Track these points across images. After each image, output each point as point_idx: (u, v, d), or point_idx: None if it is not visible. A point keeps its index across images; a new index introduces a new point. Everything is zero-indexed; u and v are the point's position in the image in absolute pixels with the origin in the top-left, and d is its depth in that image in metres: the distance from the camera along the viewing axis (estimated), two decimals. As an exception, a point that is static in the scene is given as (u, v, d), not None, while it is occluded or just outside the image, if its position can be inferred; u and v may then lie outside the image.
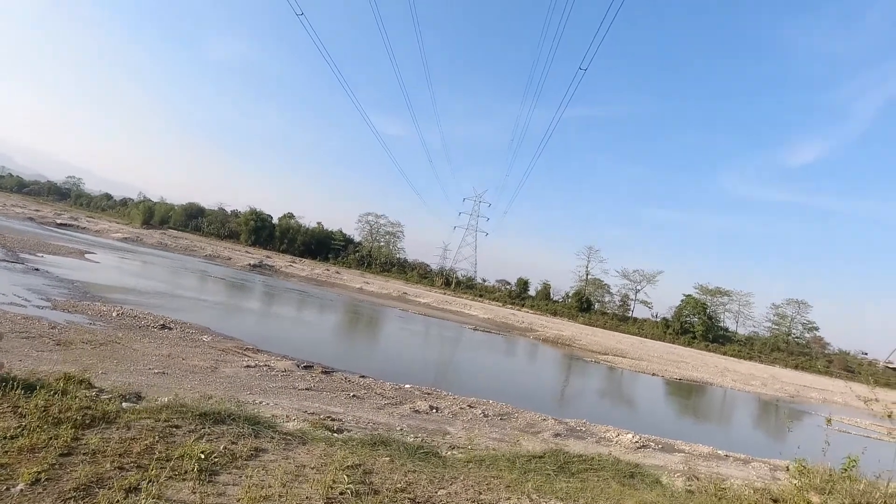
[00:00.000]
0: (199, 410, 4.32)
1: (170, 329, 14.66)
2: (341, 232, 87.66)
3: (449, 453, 6.32)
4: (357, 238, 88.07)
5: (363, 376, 13.76)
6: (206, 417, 4.20)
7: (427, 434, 8.76)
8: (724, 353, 63.03)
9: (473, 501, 3.61)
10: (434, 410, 11.26)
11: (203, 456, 3.34)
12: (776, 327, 75.58)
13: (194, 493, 2.89)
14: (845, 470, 4.36)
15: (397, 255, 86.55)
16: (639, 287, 79.98)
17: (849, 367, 65.81)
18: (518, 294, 79.08)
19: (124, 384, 7.70)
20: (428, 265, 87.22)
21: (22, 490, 2.65)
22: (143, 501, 2.67)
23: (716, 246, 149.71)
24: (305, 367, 13.43)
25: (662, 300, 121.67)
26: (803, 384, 42.84)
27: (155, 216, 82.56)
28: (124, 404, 5.90)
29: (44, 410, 3.55)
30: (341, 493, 3.29)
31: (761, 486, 4.93)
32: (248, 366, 12.18)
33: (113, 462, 3.05)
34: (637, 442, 11.60)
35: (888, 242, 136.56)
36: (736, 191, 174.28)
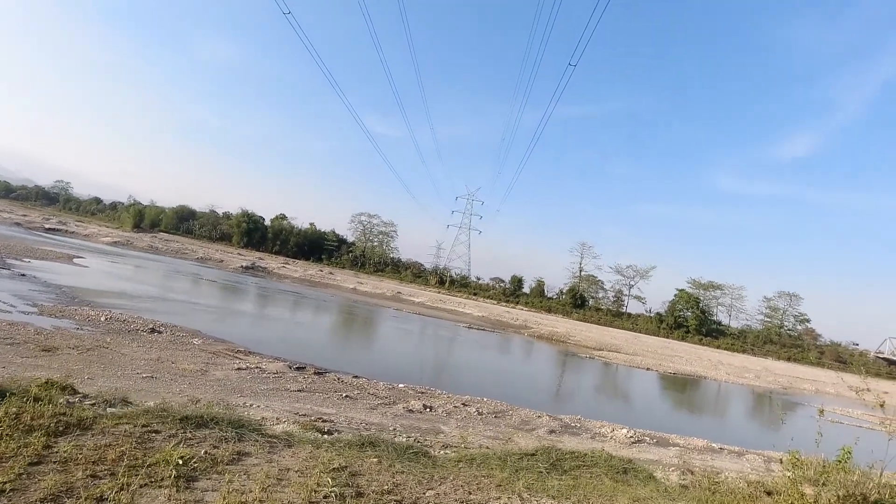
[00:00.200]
0: (180, 414, 4.21)
1: (159, 332, 14.48)
2: (334, 232, 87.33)
3: (442, 452, 6.24)
4: (350, 238, 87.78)
5: (356, 377, 13.65)
6: (187, 421, 4.08)
7: (420, 433, 8.68)
8: (718, 347, 63.43)
9: (462, 502, 3.53)
10: (428, 409, 11.19)
11: (181, 461, 3.24)
12: (768, 320, 76.21)
13: (170, 500, 2.78)
14: (839, 461, 4.33)
15: (391, 255, 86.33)
16: (632, 282, 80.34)
17: (840, 357, 66.48)
18: (512, 292, 79.16)
19: (111, 389, 7.55)
20: (422, 264, 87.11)
21: (-14, 502, 2.54)
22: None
23: (708, 240, 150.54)
24: (298, 369, 13.31)
25: (656, 295, 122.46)
26: (796, 376, 43.22)
27: (145, 219, 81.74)
28: (108, 409, 5.77)
29: (15, 418, 3.41)
30: (325, 497, 3.19)
31: (755, 479, 4.90)
32: (239, 368, 12.04)
33: (85, 470, 2.94)
34: (632, 437, 11.60)
35: (878, 233, 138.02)
36: (727, 185, 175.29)
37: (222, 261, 52.99)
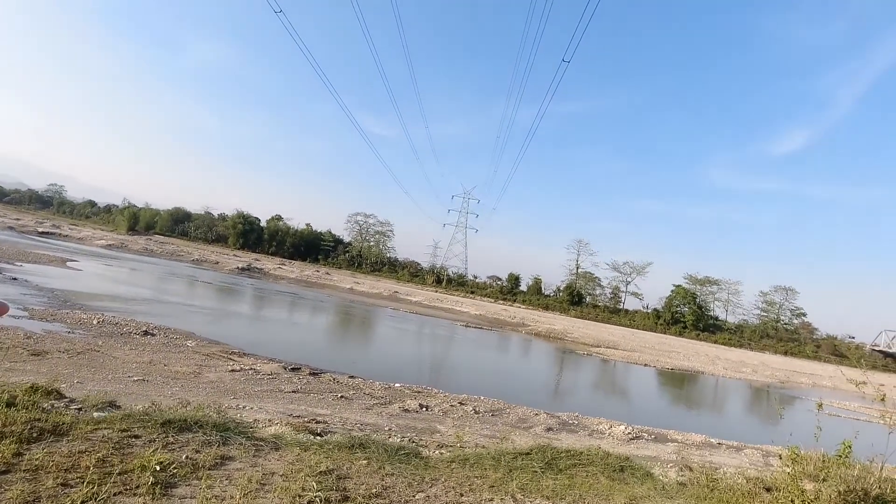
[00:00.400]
0: (162, 418, 4.08)
1: (153, 335, 14.32)
2: (330, 233, 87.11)
3: (437, 452, 6.14)
4: (347, 238, 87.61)
5: (352, 377, 13.53)
6: (170, 425, 3.95)
7: (416, 433, 8.58)
8: (715, 342, 63.61)
9: (454, 504, 3.43)
10: (424, 409, 11.08)
11: (159, 467, 3.11)
12: (765, 314, 76.52)
13: (145, 508, 2.66)
14: (840, 456, 4.25)
15: (388, 255, 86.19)
16: (629, 279, 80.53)
17: (837, 351, 66.74)
18: (509, 290, 79.15)
19: (99, 393, 7.40)
20: (419, 263, 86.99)
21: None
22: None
23: (704, 236, 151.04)
24: (293, 370, 13.17)
25: (653, 291, 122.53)
26: (793, 370, 43.33)
27: (140, 222, 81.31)
28: (94, 414, 5.64)
29: (-16, 425, 3.29)
30: (309, 502, 3.08)
31: (754, 475, 4.82)
32: (232, 370, 11.89)
33: (56, 478, 2.80)
34: (630, 433, 11.52)
35: (872, 227, 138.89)
36: (722, 180, 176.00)
37: (218, 262, 52.73)
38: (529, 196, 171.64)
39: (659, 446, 10.87)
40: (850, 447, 4.35)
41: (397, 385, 13.24)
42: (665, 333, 64.31)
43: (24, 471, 2.84)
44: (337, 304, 36.85)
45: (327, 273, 62.35)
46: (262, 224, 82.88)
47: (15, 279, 20.02)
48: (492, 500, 3.61)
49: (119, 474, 2.93)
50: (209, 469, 3.33)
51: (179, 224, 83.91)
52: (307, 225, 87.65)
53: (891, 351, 64.92)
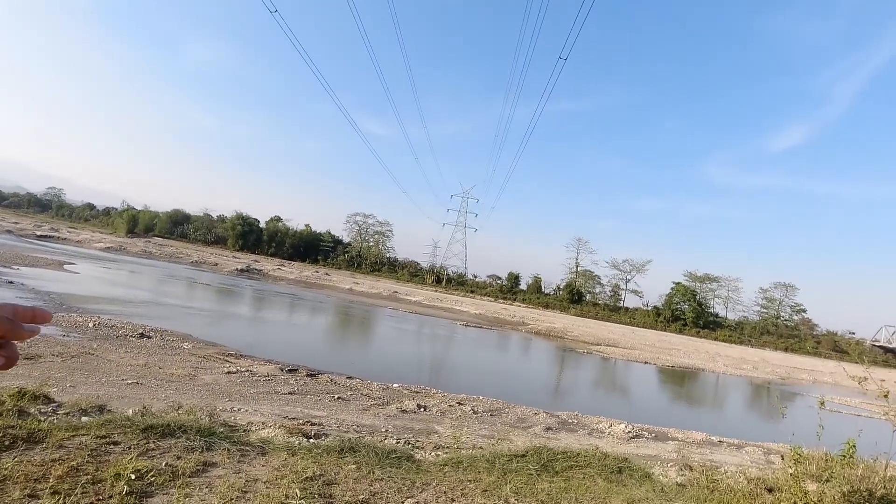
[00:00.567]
0: (143, 424, 3.96)
1: (149, 338, 14.21)
2: (330, 233, 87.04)
3: (433, 454, 6.03)
4: (346, 239, 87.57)
5: (350, 377, 13.43)
6: (151, 431, 3.83)
7: (413, 434, 8.47)
8: (715, 339, 63.53)
9: (445, 510, 3.31)
10: (422, 409, 10.98)
11: (135, 476, 2.99)
12: (765, 311, 76.45)
13: (118, 518, 2.55)
14: (844, 456, 4.14)
15: (387, 255, 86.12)
16: (629, 277, 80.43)
17: (837, 347, 66.70)
18: (509, 288, 79.08)
19: (91, 397, 7.30)
20: (418, 263, 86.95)
21: None
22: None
23: (703, 233, 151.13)
24: (289, 371, 13.07)
25: (653, 289, 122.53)
26: (793, 366, 43.24)
27: (139, 224, 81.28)
28: (83, 419, 5.53)
29: (-48, 434, 3.16)
30: (292, 510, 2.97)
31: (755, 475, 4.70)
32: (228, 372, 11.79)
33: (24, 489, 2.69)
34: (630, 432, 11.42)
35: (871, 223, 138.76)
36: (720, 177, 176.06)
37: (217, 264, 52.61)
38: (529, 194, 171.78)
39: (659, 445, 10.77)
40: (853, 447, 4.23)
41: (395, 385, 13.14)
42: (665, 331, 64.24)
43: (-7, 482, 2.73)
44: (336, 305, 36.73)
45: (327, 274, 62.24)
46: (261, 225, 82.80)
47: (11, 283, 19.90)
48: (484, 504, 3.50)
49: (92, 483, 2.81)
50: (189, 476, 3.21)
51: (179, 226, 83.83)
52: (306, 226, 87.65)
53: (891, 346, 64.86)
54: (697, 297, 71.79)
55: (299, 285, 47.60)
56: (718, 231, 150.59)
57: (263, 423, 7.14)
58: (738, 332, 69.41)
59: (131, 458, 3.22)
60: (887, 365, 56.14)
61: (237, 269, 49.79)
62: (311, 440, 5.50)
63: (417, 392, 12.90)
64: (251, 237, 79.36)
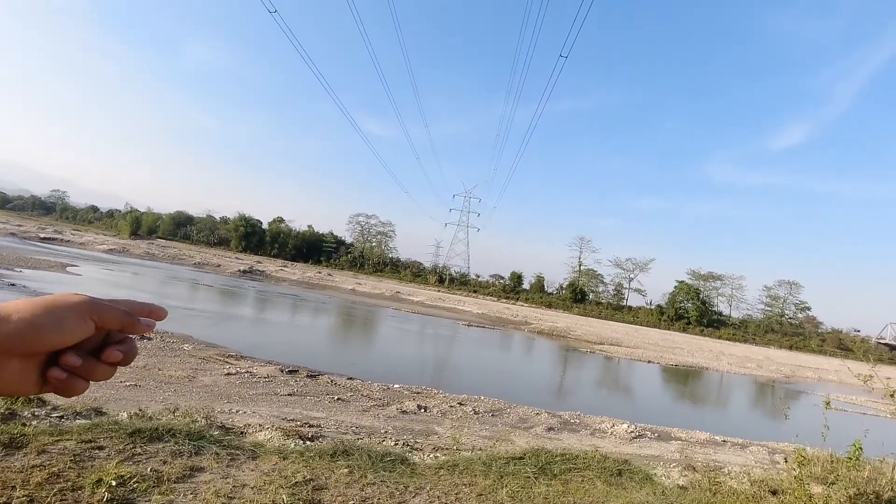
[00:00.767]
0: (130, 427, 3.89)
1: (149, 339, 14.15)
2: (332, 234, 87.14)
3: (430, 456, 5.94)
4: (348, 239, 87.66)
5: (350, 378, 13.35)
6: (139, 435, 3.76)
7: (412, 435, 8.39)
8: (719, 337, 63.23)
9: (438, 515, 3.23)
10: (422, 410, 10.90)
11: (114, 483, 2.90)
12: (769, 309, 76.06)
13: (97, 527, 2.47)
14: (850, 458, 4.03)
15: (390, 255, 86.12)
16: (632, 275, 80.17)
17: (842, 345, 66.30)
18: (512, 288, 78.94)
19: (89, 399, 7.26)
20: (421, 263, 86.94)
21: None
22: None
23: (706, 231, 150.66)
24: (290, 372, 13.00)
25: (656, 287, 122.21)
26: (798, 364, 42.96)
27: (143, 226, 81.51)
28: (77, 422, 5.47)
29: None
30: (278, 517, 2.89)
31: (759, 477, 4.60)
32: (228, 373, 11.74)
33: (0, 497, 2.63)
34: (632, 432, 11.30)
35: (875, 220, 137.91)
36: (722, 176, 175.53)
37: (220, 265, 52.68)
38: (530, 193, 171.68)
39: (662, 445, 10.66)
40: (860, 448, 4.12)
41: (396, 386, 13.06)
42: (669, 330, 63.97)
43: (-31, 489, 2.66)
44: (338, 306, 36.69)
45: (329, 274, 62.26)
46: (263, 226, 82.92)
47: (13, 285, 19.93)
48: (479, 509, 3.41)
49: (71, 490, 2.74)
50: (175, 482, 3.13)
51: (182, 228, 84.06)
52: (309, 227, 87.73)
53: (897, 344, 64.43)
54: (701, 296, 71.50)
55: (302, 286, 47.59)
56: (721, 230, 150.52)
57: (261, 425, 7.07)
58: (742, 331, 69.09)
59: (115, 464, 3.15)
60: (893, 363, 55.72)
61: (240, 271, 49.84)
62: (307, 443, 5.43)
63: (418, 393, 12.82)
64: (254, 238, 79.49)
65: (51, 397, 6.72)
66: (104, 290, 24.54)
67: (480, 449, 6.75)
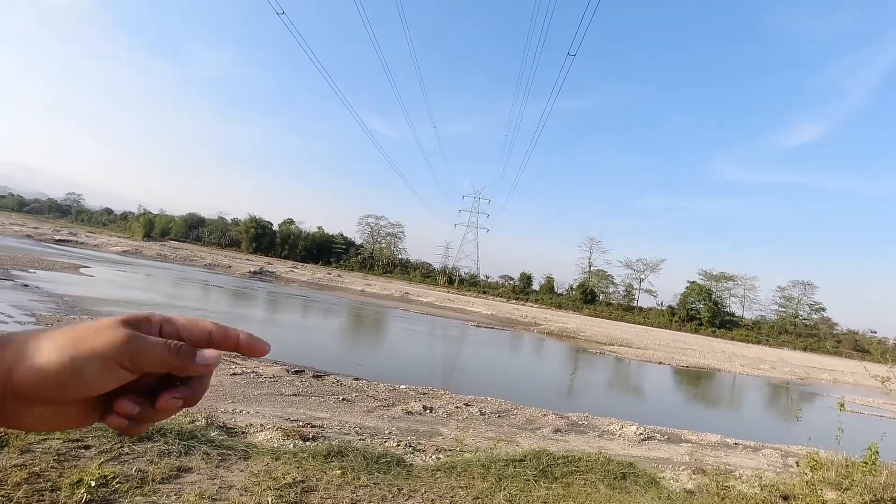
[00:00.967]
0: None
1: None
2: (342, 235, 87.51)
3: (433, 457, 5.83)
4: (358, 241, 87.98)
5: (356, 378, 13.30)
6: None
7: (416, 436, 8.29)
8: (732, 339, 62.37)
9: (430, 520, 3.12)
10: (428, 411, 10.79)
11: (98, 483, 2.84)
12: (783, 310, 74.85)
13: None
14: (866, 462, 3.85)
15: (399, 256, 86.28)
16: (642, 276, 79.44)
17: (858, 346, 65.02)
18: (521, 289, 78.63)
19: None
20: (430, 264, 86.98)
21: None
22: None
23: (718, 231, 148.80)
24: (296, 372, 12.99)
25: (667, 288, 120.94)
26: (813, 366, 42.17)
27: (156, 228, 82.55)
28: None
29: None
30: (262, 521, 2.80)
31: (770, 482, 4.42)
32: (234, 373, 11.74)
33: (-25, 497, 2.57)
34: (641, 434, 11.09)
35: (890, 218, 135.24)
36: (734, 175, 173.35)
37: (230, 266, 53.09)
38: (539, 192, 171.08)
39: (672, 447, 10.44)
40: (876, 451, 3.94)
41: (402, 387, 12.98)
42: (680, 331, 63.22)
43: (-55, 489, 2.60)
44: (347, 306, 36.75)
45: (339, 275, 62.49)
46: (274, 228, 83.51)
47: (26, 286, 20.19)
48: (475, 513, 3.29)
49: (50, 490, 2.68)
50: (160, 483, 3.07)
51: (194, 230, 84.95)
52: (319, 228, 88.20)
53: (916, 345, 63.03)
54: (713, 297, 70.61)
55: (311, 287, 47.78)
56: (733, 229, 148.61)
57: (263, 426, 7.01)
58: (756, 332, 68.06)
59: (99, 464, 3.09)
60: (912, 364, 54.48)
61: (250, 272, 50.17)
62: (306, 443, 5.35)
63: (424, 393, 12.73)
64: (264, 240, 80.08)
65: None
66: (118, 292, 24.79)
67: (482, 451, 6.63)
